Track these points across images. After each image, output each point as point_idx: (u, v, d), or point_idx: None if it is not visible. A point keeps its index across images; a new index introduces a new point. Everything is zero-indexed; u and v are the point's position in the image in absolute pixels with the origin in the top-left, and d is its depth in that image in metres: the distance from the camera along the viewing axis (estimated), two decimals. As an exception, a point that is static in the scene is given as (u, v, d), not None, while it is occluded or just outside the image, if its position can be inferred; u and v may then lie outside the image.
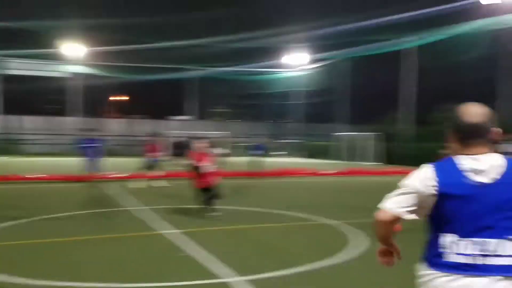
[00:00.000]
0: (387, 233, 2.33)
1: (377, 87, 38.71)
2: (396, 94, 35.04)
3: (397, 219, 2.25)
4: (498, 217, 2.13)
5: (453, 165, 2.21)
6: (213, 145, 11.12)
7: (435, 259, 2.19)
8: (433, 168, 2.23)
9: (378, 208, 2.29)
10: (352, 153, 35.72)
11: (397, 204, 2.23)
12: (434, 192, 2.17)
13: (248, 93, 48.25)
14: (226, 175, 10.44)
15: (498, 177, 2.15)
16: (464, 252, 2.13)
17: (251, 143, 21.67)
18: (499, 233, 2.12)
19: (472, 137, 2.23)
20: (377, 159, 33.22)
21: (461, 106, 2.29)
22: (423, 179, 2.21)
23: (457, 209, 2.15)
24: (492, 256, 2.11)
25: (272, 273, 5.57)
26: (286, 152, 43.64)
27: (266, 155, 21.72)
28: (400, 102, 35.11)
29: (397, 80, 35.21)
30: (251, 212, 10.40)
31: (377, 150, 33.59)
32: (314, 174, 22.25)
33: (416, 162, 25.63)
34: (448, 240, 2.16)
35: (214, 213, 9.24)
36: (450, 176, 2.18)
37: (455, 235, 2.15)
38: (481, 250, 2.11)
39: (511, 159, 2.21)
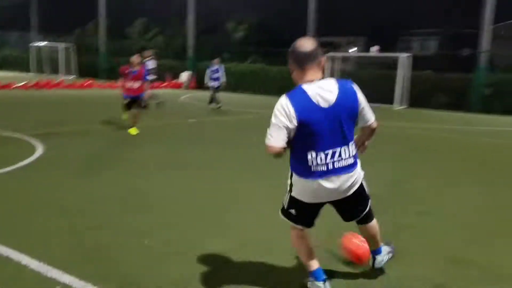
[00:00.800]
0: (280, 155, 2.82)
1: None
2: (92, 6, 34.01)
3: (283, 149, 2.77)
4: (340, 131, 2.76)
5: (303, 94, 2.74)
6: None
7: (303, 171, 2.80)
8: (289, 101, 2.73)
9: (265, 144, 2.77)
10: (45, 65, 33.70)
11: (277, 139, 2.73)
12: (296, 122, 2.71)
13: None
14: None
15: (335, 99, 2.74)
16: (323, 162, 2.76)
17: None
18: (342, 143, 2.79)
19: (307, 62, 2.78)
20: (72, 71, 32.34)
21: (297, 41, 2.84)
22: (286, 114, 2.71)
23: (313, 131, 2.72)
24: (340, 160, 2.79)
25: None
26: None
27: None
28: (97, 14, 34.36)
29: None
30: None
31: (73, 62, 32.59)
32: (2, 87, 20.41)
33: (108, 75, 26.53)
34: (310, 156, 2.76)
35: None
36: (303, 105, 2.71)
37: (314, 151, 2.75)
38: (333, 158, 2.77)
39: (341, 82, 2.82)
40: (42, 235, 3.93)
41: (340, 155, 2.79)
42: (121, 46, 34.32)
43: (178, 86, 28.29)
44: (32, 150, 7.48)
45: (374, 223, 3.20)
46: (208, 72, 16.42)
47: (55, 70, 32.89)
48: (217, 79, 16.24)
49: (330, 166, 2.78)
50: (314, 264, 3.05)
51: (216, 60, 16.53)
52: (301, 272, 3.26)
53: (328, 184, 2.79)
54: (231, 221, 4.54)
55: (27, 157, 6.93)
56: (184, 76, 29.11)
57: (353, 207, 3.04)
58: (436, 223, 4.72)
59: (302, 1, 25.84)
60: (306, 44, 2.82)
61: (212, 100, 16.37)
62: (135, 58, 10.02)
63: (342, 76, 21.31)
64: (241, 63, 29.67)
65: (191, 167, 7.00)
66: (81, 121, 11.72)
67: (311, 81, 2.78)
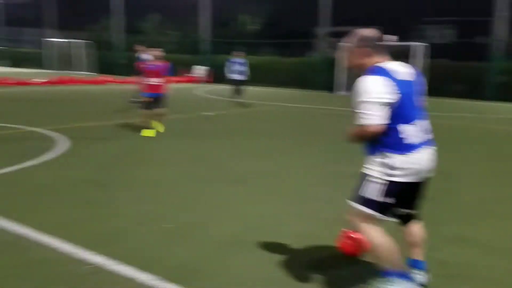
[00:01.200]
0: (373, 137, 2.72)
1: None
2: (105, 1, 34.48)
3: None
4: (419, 104, 2.84)
5: (386, 71, 2.72)
6: None
7: (398, 145, 2.71)
8: (382, 77, 2.68)
9: (361, 125, 2.66)
10: (63, 62, 34.30)
11: (379, 117, 2.63)
12: (398, 95, 2.67)
13: None
14: None
15: (413, 76, 2.83)
16: (416, 134, 2.74)
17: None
18: (424, 116, 2.85)
19: (380, 46, 2.84)
20: (89, 68, 32.86)
21: (359, 31, 2.87)
22: (384, 88, 2.65)
23: (405, 103, 2.70)
24: (427, 132, 2.84)
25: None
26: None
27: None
28: (112, 9, 34.82)
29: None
30: None
31: (89, 58, 33.12)
32: (22, 83, 20.91)
33: (127, 71, 26.63)
34: (404, 128, 2.71)
35: None
36: (394, 79, 2.69)
37: (407, 123, 2.72)
38: (422, 130, 2.80)
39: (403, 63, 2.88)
40: (70, 222, 4.24)
41: (425, 127, 2.85)
42: (137, 41, 34.65)
43: (194, 80, 28.57)
44: (56, 144, 7.80)
45: (420, 223, 3.13)
46: (231, 65, 16.34)
47: (72, 66, 33.46)
48: (241, 72, 16.25)
49: (424, 137, 2.82)
50: (401, 263, 2.86)
51: (241, 53, 16.44)
52: (309, 255, 3.49)
53: (428, 155, 2.82)
54: (241, 207, 4.81)
55: (51, 151, 7.25)
56: (201, 70, 29.37)
57: (421, 194, 3.03)
58: (439, 207, 4.91)
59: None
60: (371, 31, 2.88)
61: (236, 92, 16.26)
62: (152, 52, 9.32)
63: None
64: (254, 56, 29.74)
65: (207, 160, 7.27)
66: (103, 116, 12.02)
67: (383, 62, 2.82)
